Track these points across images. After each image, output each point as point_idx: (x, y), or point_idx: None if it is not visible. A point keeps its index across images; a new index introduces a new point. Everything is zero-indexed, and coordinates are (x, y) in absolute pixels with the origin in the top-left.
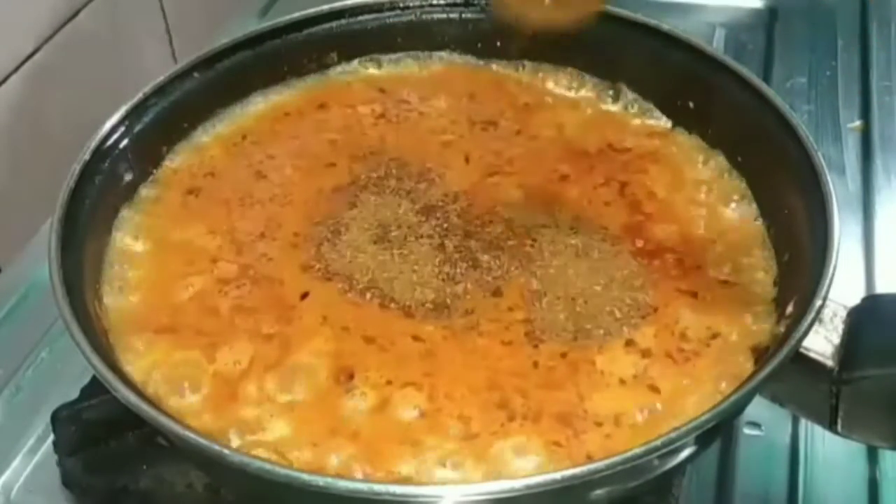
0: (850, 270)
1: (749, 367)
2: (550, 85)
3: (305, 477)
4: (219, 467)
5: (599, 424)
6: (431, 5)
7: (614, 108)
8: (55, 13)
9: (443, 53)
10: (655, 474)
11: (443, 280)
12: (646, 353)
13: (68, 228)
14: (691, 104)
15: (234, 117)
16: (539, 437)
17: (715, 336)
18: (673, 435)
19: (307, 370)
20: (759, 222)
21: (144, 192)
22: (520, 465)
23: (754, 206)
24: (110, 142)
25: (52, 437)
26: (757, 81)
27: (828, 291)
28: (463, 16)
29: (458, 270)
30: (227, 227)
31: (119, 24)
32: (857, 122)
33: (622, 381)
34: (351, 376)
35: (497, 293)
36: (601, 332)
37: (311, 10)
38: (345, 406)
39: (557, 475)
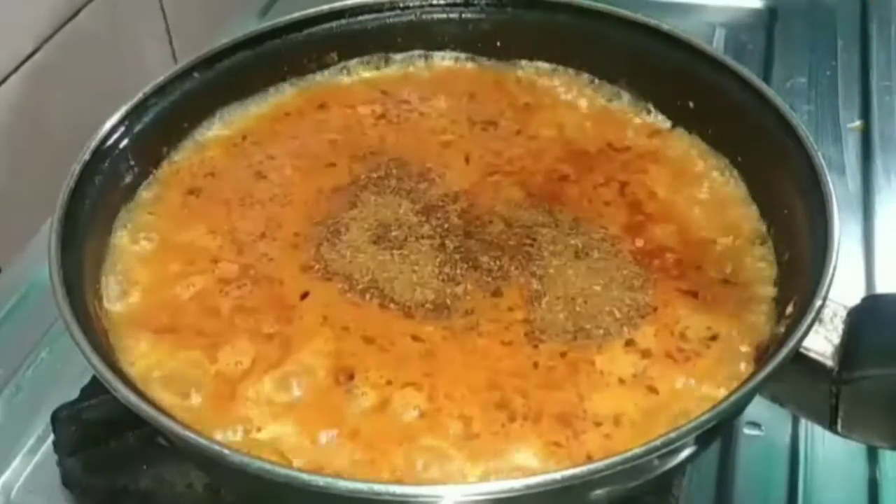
0: (850, 270)
1: (749, 367)
2: (550, 85)
3: (305, 477)
4: (219, 467)
5: (599, 424)
6: (431, 5)
7: (614, 107)
8: (55, 13)
9: (443, 53)
10: (655, 474)
11: (443, 280)
12: (645, 353)
13: (68, 228)
14: (691, 104)
15: (234, 117)
16: (539, 437)
17: (715, 336)
18: (673, 435)
19: (307, 370)
20: (759, 222)
21: (144, 192)
22: (520, 465)
23: (754, 206)
24: (110, 142)
25: (52, 437)
26: (757, 81)
27: (828, 291)
28: (463, 16)
29: (458, 271)
30: (228, 227)
31: (119, 24)
32: (857, 122)
33: (622, 381)
34: (351, 376)
35: (497, 293)
36: (601, 332)
37: (311, 10)
38: (345, 406)
39: (557, 475)
